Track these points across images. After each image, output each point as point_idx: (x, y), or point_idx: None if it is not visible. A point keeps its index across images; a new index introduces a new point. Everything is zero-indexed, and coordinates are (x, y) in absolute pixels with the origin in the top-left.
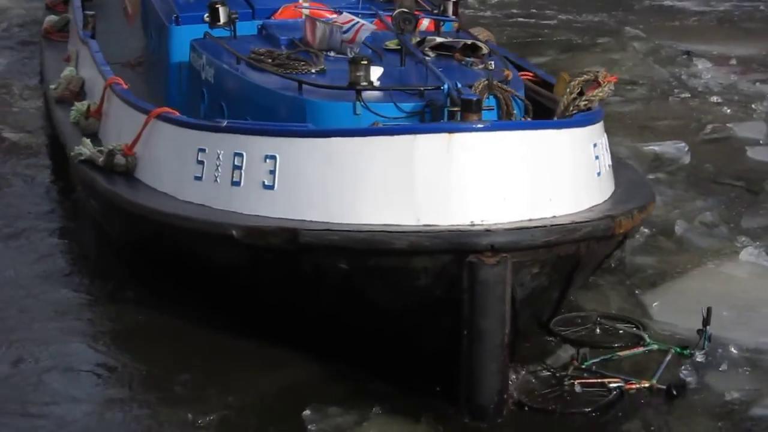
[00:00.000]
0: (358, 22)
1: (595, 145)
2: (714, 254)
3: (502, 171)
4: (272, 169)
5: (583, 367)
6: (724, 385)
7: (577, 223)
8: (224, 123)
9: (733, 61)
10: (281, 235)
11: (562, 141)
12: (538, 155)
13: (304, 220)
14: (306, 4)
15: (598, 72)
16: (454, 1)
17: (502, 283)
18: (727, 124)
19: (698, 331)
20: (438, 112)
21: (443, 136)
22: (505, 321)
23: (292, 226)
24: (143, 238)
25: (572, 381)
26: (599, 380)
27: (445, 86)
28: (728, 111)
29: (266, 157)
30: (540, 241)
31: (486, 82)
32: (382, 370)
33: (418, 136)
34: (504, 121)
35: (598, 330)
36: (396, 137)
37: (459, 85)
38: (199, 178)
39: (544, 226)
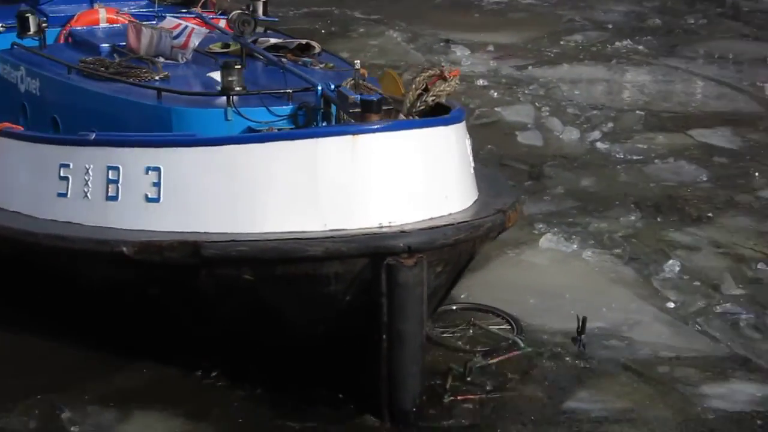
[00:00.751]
0: (187, 26)
1: (467, 141)
2: (513, 243)
3: (406, 171)
4: (156, 181)
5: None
6: (541, 376)
7: (480, 219)
8: (92, 136)
9: (491, 48)
10: (181, 249)
11: (451, 137)
12: (435, 153)
13: (199, 232)
14: (103, 10)
15: (442, 66)
16: (264, 1)
17: (420, 285)
18: (495, 108)
19: (573, 339)
20: (312, 114)
21: (347, 139)
22: (424, 322)
23: (192, 239)
24: None
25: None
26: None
27: (319, 87)
28: (495, 95)
29: (148, 169)
30: (451, 240)
31: (353, 81)
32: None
33: (321, 139)
34: (404, 121)
35: (471, 332)
36: (298, 142)
37: (332, 86)
38: (63, 195)
39: (453, 224)
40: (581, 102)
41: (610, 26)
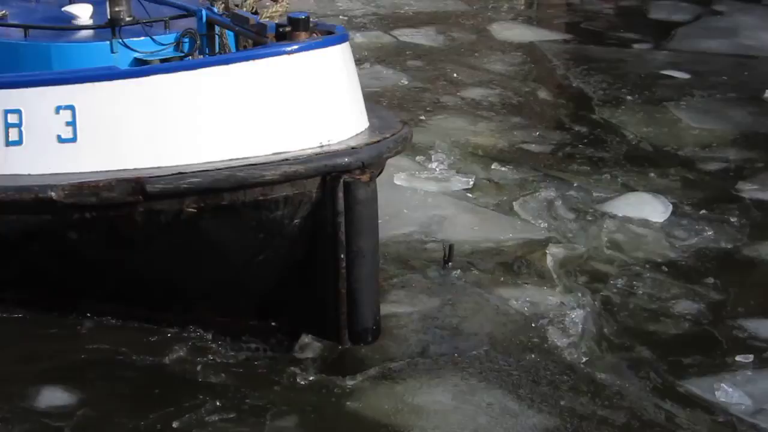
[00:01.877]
0: None
1: None
2: None
3: (336, 88)
4: (70, 120)
5: None
6: None
7: (399, 131)
8: None
9: None
10: (121, 188)
11: (350, 55)
12: (348, 69)
13: (129, 169)
14: None
15: None
16: None
17: (375, 200)
18: None
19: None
20: (198, 41)
21: (283, 59)
22: (378, 238)
23: (134, 176)
24: None
25: None
26: None
27: (202, 11)
28: None
29: (59, 108)
30: (392, 153)
31: (222, 4)
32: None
33: (258, 61)
34: (329, 38)
35: None
36: (233, 66)
37: (214, 9)
38: None
39: (389, 138)
40: None
41: None
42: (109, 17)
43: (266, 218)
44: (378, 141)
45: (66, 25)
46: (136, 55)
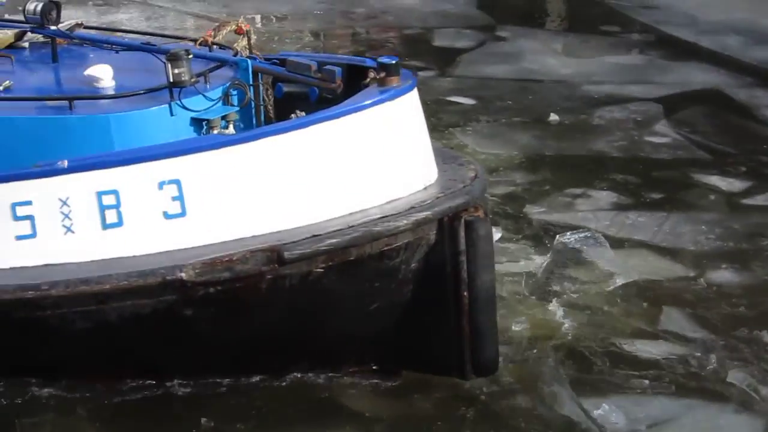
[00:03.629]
0: None
1: None
2: None
3: (423, 130)
4: (176, 195)
5: None
6: None
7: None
8: (65, 164)
9: None
10: (257, 259)
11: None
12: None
13: (255, 236)
14: None
15: (238, 20)
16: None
17: (492, 235)
18: None
19: None
20: (248, 92)
21: (385, 107)
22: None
23: (272, 245)
24: None
25: None
26: None
27: (247, 62)
28: None
29: (162, 183)
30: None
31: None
32: None
33: (361, 113)
34: (410, 82)
35: None
36: (341, 120)
37: (257, 59)
38: (28, 237)
39: (475, 176)
40: None
41: None
42: (170, 79)
43: (385, 266)
44: (475, 177)
45: (130, 92)
46: (193, 115)
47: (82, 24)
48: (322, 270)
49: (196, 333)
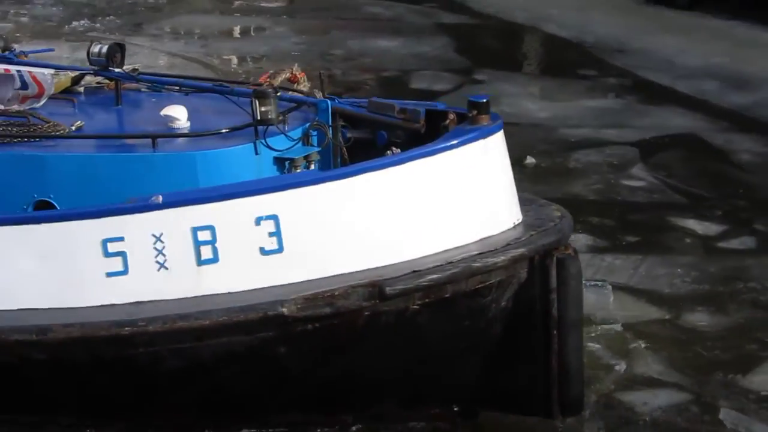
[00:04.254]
0: (19, 70)
1: None
2: None
3: (509, 168)
4: (273, 231)
5: None
6: None
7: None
8: (159, 199)
9: None
10: (357, 294)
11: None
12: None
13: (352, 272)
14: None
15: (292, 68)
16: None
17: (581, 273)
18: None
19: None
20: (328, 133)
21: (479, 144)
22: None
23: (373, 280)
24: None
25: None
26: None
27: (327, 102)
28: None
29: (259, 219)
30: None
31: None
32: None
33: (457, 150)
34: (498, 121)
35: None
36: (433, 158)
37: (336, 100)
38: (118, 273)
39: (565, 216)
40: None
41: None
42: (257, 117)
43: (477, 304)
44: (562, 217)
45: (214, 130)
46: (275, 154)
47: (138, 69)
48: (417, 307)
49: (287, 371)
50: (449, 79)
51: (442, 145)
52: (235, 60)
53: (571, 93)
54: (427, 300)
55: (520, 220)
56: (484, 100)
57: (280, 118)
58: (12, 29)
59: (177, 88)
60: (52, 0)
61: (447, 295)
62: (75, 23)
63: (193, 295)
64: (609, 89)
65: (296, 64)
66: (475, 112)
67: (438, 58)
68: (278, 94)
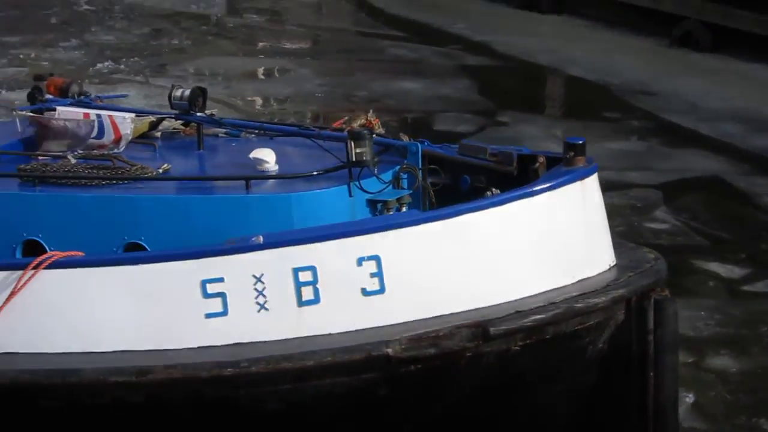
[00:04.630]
0: (99, 115)
1: None
2: None
3: (603, 209)
4: (375, 271)
5: None
6: None
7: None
8: (260, 239)
9: None
10: (462, 335)
11: None
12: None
13: (453, 312)
14: None
15: (367, 113)
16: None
17: (677, 315)
18: None
19: None
20: (419, 176)
21: (577, 185)
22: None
23: (477, 320)
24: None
25: None
26: None
27: (417, 145)
28: None
29: (361, 260)
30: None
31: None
32: None
33: (557, 190)
34: (593, 163)
35: None
36: (535, 198)
37: (426, 143)
38: (217, 314)
39: (659, 258)
40: None
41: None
42: (352, 158)
43: (575, 346)
44: (656, 258)
45: (308, 172)
46: (368, 196)
47: (215, 114)
48: (518, 348)
49: (385, 412)
50: (472, 120)
51: (542, 186)
52: (259, 101)
53: (594, 135)
54: (527, 341)
55: (614, 262)
56: (580, 142)
57: (377, 159)
58: (35, 71)
59: (256, 132)
60: (75, 42)
61: (547, 336)
62: (99, 65)
63: (293, 336)
64: (632, 132)
65: (371, 110)
66: (572, 154)
67: (461, 100)
68: (373, 135)
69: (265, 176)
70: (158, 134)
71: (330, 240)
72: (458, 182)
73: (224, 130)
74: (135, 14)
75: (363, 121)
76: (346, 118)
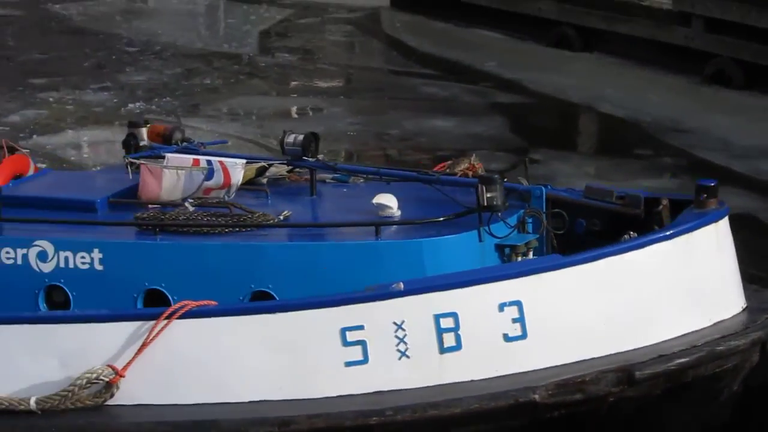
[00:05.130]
0: (210, 161)
1: None
2: None
3: (734, 254)
4: (516, 317)
5: None
6: None
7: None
8: (401, 286)
9: None
10: (607, 380)
11: None
12: None
13: (594, 357)
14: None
15: (470, 158)
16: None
17: None
18: None
19: None
20: (544, 220)
21: (711, 228)
22: None
23: (623, 366)
24: None
25: None
26: None
27: (541, 189)
28: None
29: (503, 305)
30: None
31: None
32: None
33: (692, 234)
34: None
35: None
36: (671, 241)
37: (548, 186)
38: (358, 363)
39: None
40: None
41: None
42: (483, 203)
43: (712, 389)
44: None
45: (437, 217)
46: (497, 241)
47: (324, 158)
48: (659, 392)
49: None
50: (504, 158)
51: (679, 229)
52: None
53: (627, 173)
54: (669, 384)
55: (746, 305)
56: (712, 185)
57: (508, 204)
58: (64, 113)
59: (366, 177)
60: (107, 84)
61: (688, 380)
62: (131, 105)
63: (435, 384)
64: (665, 169)
65: (474, 154)
66: (704, 196)
67: (493, 138)
68: (505, 179)
69: (396, 221)
70: (264, 180)
71: (471, 286)
72: (573, 226)
73: (331, 176)
74: (168, 54)
75: (466, 165)
76: (449, 162)
